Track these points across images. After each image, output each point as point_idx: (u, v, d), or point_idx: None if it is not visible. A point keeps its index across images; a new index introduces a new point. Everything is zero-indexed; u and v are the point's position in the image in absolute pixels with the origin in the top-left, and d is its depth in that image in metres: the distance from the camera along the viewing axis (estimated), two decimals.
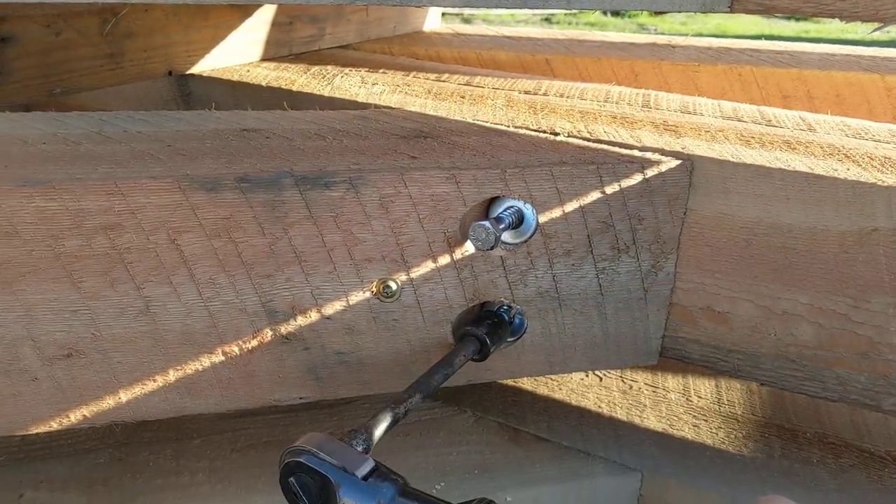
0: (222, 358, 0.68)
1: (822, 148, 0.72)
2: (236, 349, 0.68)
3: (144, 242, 0.62)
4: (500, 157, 0.70)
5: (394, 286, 0.69)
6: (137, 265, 0.63)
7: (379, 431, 0.59)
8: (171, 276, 0.64)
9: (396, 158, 0.68)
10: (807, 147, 0.73)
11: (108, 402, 0.67)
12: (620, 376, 0.97)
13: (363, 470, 0.53)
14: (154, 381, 0.67)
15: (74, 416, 0.67)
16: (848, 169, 0.68)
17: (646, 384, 0.96)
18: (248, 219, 0.63)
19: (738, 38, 1.30)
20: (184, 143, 0.69)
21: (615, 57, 1.18)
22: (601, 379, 0.97)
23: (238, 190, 0.62)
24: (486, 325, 0.72)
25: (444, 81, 0.98)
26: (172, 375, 0.67)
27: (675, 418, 0.90)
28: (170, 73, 1.04)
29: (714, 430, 0.88)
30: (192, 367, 0.67)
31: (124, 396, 0.67)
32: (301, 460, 0.54)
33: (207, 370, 0.68)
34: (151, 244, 0.62)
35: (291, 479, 0.54)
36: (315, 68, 1.05)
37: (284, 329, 0.68)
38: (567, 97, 0.91)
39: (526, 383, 0.97)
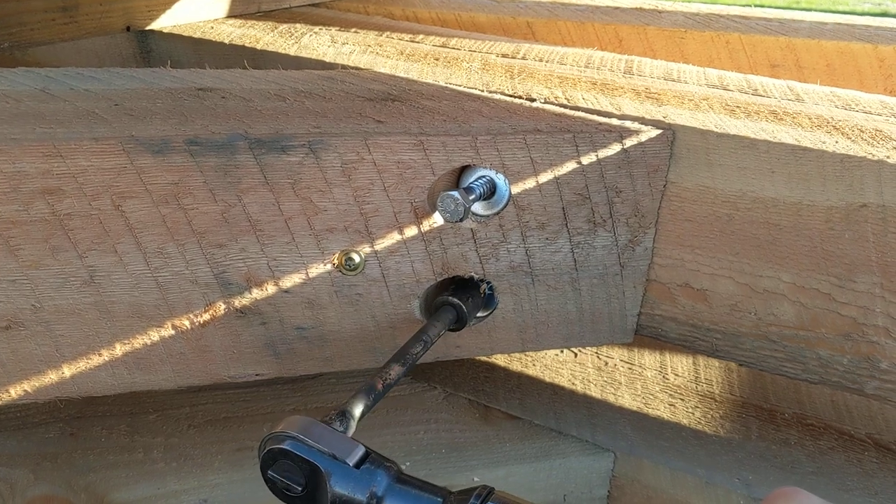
0: (173, 332, 0.64)
1: (810, 119, 0.69)
2: (188, 323, 0.64)
3: (87, 208, 0.58)
4: (472, 124, 0.66)
5: (357, 258, 0.65)
6: (80, 232, 0.59)
7: (359, 412, 0.55)
8: (117, 245, 0.60)
9: (361, 122, 0.64)
10: (794, 118, 0.69)
11: (52, 377, 0.63)
12: (596, 352, 0.95)
13: (354, 456, 0.50)
14: (100, 355, 0.63)
15: (15, 391, 0.63)
16: (837, 141, 0.64)
17: (622, 361, 0.93)
18: (198, 184, 0.59)
19: (727, 6, 1.25)
20: (133, 103, 0.64)
21: (599, 21, 1.13)
22: (576, 355, 0.94)
23: (187, 153, 0.58)
24: (462, 293, 0.69)
25: (418, 42, 0.93)
26: (120, 349, 0.64)
27: (651, 397, 0.87)
28: (128, 29, 0.98)
29: (690, 410, 0.86)
30: (140, 341, 0.64)
31: (68, 371, 0.63)
32: (286, 447, 0.50)
33: (157, 344, 0.64)
34: (94, 210, 0.58)
35: (274, 467, 0.50)
36: (283, 26, 1.00)
37: (239, 302, 0.64)
38: (547, 62, 0.87)
39: (499, 359, 0.94)
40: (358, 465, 0.50)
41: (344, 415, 0.54)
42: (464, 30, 1.16)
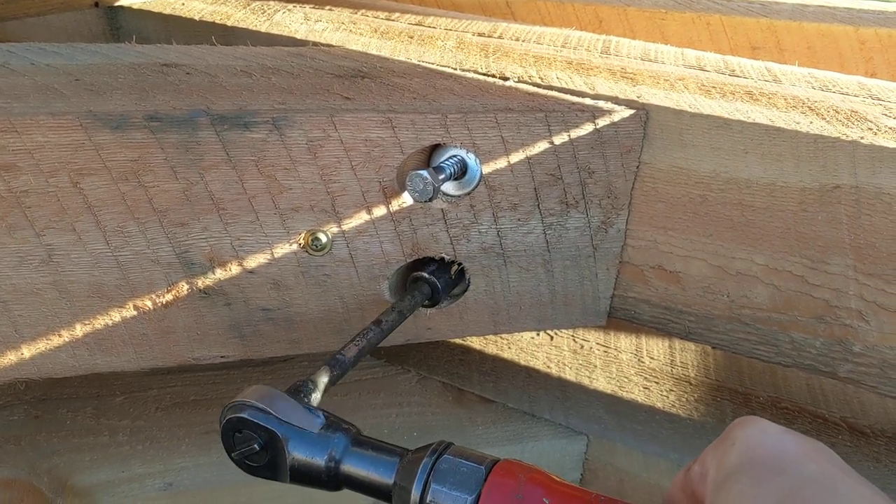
0: (134, 312, 0.63)
1: (785, 100, 0.68)
2: (150, 303, 0.62)
3: (44, 185, 0.57)
4: (443, 102, 0.65)
5: (324, 238, 0.64)
6: (37, 210, 0.57)
7: (325, 381, 0.55)
8: (75, 223, 0.58)
9: (328, 99, 0.63)
10: (770, 98, 0.68)
11: (10, 358, 0.62)
12: (572, 335, 0.94)
13: (312, 422, 0.50)
14: (60, 335, 0.62)
15: None
16: (811, 122, 0.63)
17: (598, 344, 0.92)
18: (158, 161, 0.58)
19: None
20: (94, 78, 0.63)
21: (580, 2, 1.12)
22: (552, 338, 0.94)
23: (147, 129, 0.56)
24: (436, 269, 0.69)
25: (393, 20, 0.91)
26: (80, 330, 0.62)
27: (626, 380, 0.87)
28: (96, 5, 0.96)
29: (665, 393, 0.85)
30: (101, 322, 0.62)
31: (27, 352, 0.62)
32: (244, 416, 0.49)
33: (119, 325, 0.63)
34: (52, 187, 0.57)
35: (234, 437, 0.50)
36: (256, 3, 0.98)
37: (202, 283, 0.63)
38: (523, 41, 0.86)
39: (474, 342, 0.93)
40: (316, 430, 0.50)
41: (307, 384, 0.54)
42: (442, 9, 1.15)
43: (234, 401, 0.50)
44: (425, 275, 0.68)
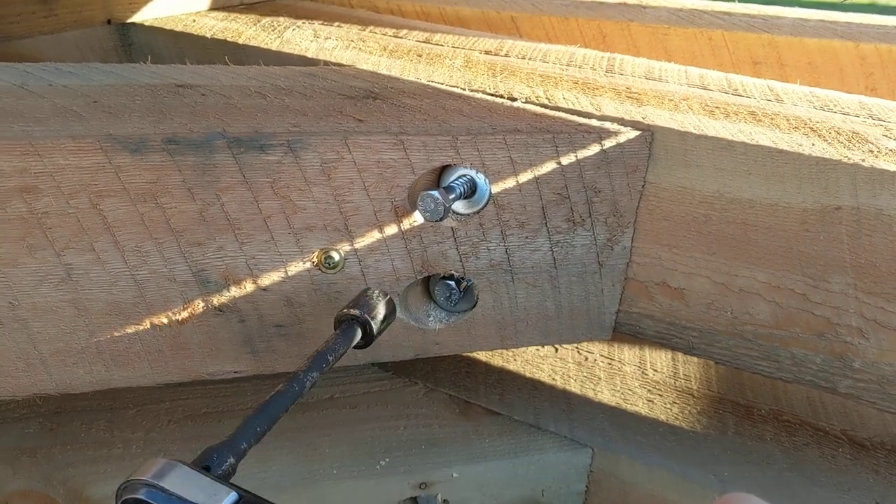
0: (150, 329, 0.64)
1: (787, 120, 0.69)
2: (165, 320, 0.64)
3: (64, 207, 0.58)
4: (453, 123, 0.66)
5: (337, 257, 0.66)
6: (57, 231, 0.59)
7: (244, 445, 0.50)
8: (94, 243, 0.60)
9: (341, 121, 0.64)
10: (772, 119, 0.70)
11: (29, 374, 0.63)
12: (577, 348, 0.95)
13: (219, 500, 0.43)
14: (78, 352, 0.63)
15: None
16: (813, 144, 0.65)
17: (602, 356, 0.94)
18: (176, 183, 0.59)
19: (713, 0, 1.26)
20: (111, 99, 0.64)
21: (583, 17, 1.13)
22: (557, 350, 0.95)
23: (165, 152, 0.58)
24: (364, 305, 0.62)
25: (401, 38, 0.93)
26: (97, 347, 0.64)
27: (630, 392, 0.88)
28: (109, 22, 0.98)
29: (668, 406, 0.86)
30: (118, 338, 0.64)
31: (45, 368, 0.63)
32: (140, 496, 0.43)
33: (135, 342, 0.64)
34: (72, 209, 0.58)
35: None
36: (266, 20, 1.00)
37: (217, 300, 0.64)
38: (529, 59, 0.87)
39: (480, 355, 0.94)
40: None
41: (223, 451, 0.48)
42: (448, 24, 1.16)
43: (130, 478, 0.45)
44: (354, 313, 0.61)
